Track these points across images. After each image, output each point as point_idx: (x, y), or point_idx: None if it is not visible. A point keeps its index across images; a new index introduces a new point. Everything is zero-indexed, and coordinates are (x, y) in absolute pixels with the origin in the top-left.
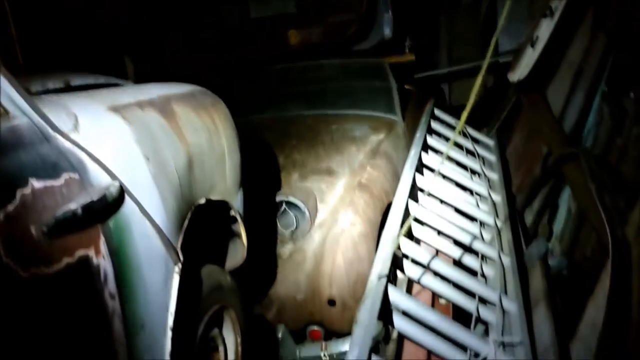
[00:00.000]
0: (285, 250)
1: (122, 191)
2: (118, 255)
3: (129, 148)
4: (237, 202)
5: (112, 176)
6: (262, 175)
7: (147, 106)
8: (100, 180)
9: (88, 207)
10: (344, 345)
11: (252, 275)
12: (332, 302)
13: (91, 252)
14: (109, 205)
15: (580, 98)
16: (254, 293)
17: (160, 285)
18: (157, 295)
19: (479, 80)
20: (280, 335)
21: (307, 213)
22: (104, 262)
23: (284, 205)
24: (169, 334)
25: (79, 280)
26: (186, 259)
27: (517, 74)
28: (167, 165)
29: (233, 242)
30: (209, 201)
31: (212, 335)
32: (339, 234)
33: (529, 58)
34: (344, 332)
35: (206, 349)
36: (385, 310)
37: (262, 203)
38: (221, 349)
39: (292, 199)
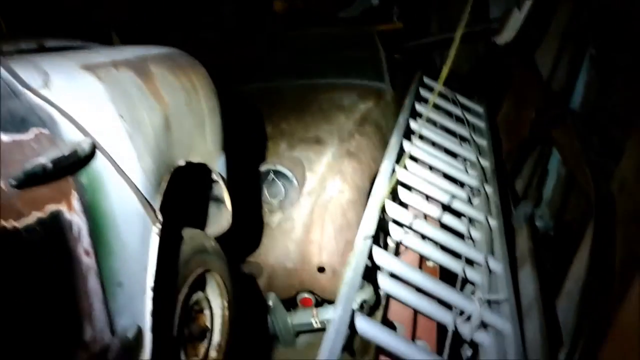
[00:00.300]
0: (274, 219)
1: (94, 147)
2: (92, 212)
3: (102, 106)
4: (219, 166)
5: (84, 132)
6: (249, 145)
7: (122, 66)
8: (72, 136)
9: (58, 161)
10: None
11: (240, 244)
12: (322, 269)
13: (63, 207)
14: (80, 161)
15: (568, 61)
16: (243, 261)
17: (139, 245)
18: (136, 255)
19: (455, 46)
20: (271, 303)
21: (295, 182)
22: (77, 217)
23: (271, 175)
24: (149, 293)
25: (51, 234)
26: (166, 220)
27: (504, 37)
28: (143, 124)
29: (218, 207)
30: (189, 164)
31: (197, 298)
32: (328, 201)
33: (515, 20)
34: (335, 299)
35: (192, 312)
36: (374, 273)
37: (250, 172)
38: (207, 312)
39: (279, 168)
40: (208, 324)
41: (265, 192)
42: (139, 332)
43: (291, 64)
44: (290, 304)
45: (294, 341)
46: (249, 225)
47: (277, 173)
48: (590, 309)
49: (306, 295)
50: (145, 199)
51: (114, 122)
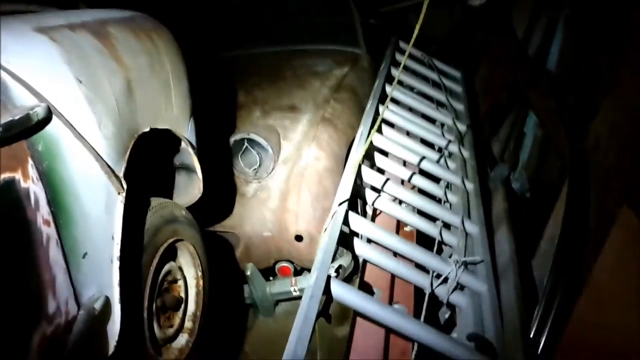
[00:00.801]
0: (249, 188)
1: (49, 112)
2: (50, 179)
3: (57, 69)
4: (187, 133)
5: (39, 97)
6: (222, 112)
7: (79, 28)
8: (25, 101)
9: (9, 127)
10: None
11: (215, 214)
12: (299, 238)
13: (18, 175)
14: (34, 126)
15: (544, 22)
16: (218, 232)
17: (103, 214)
18: (100, 224)
19: (424, 6)
20: (248, 273)
21: (270, 150)
22: (34, 185)
23: (246, 143)
24: (116, 264)
25: (5, 203)
26: (133, 189)
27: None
28: (104, 88)
29: (189, 176)
30: (154, 130)
31: (170, 269)
32: (304, 169)
33: None
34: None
35: (164, 282)
36: (351, 239)
37: (223, 140)
38: (181, 282)
39: (254, 137)
40: (182, 294)
41: (240, 161)
42: (107, 304)
43: (264, 31)
44: (269, 273)
45: (273, 310)
46: (223, 195)
47: (252, 142)
48: (565, 266)
49: (284, 264)
50: (108, 166)
51: (71, 86)
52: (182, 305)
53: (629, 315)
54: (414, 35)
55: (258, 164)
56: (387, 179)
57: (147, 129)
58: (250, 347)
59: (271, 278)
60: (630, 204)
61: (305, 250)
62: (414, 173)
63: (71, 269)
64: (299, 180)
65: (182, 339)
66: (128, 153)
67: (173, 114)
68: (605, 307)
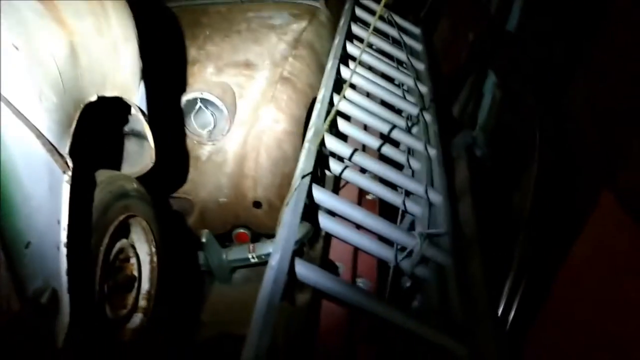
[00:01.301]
0: (203, 151)
1: None
2: None
3: None
4: (137, 98)
5: None
6: (171, 70)
7: None
8: None
9: None
10: (272, 246)
11: (168, 179)
12: (257, 204)
13: None
14: None
15: None
16: (172, 198)
17: (46, 196)
18: (44, 208)
19: None
20: (204, 239)
21: (224, 110)
22: None
23: (198, 103)
24: (63, 250)
25: None
26: (78, 165)
27: None
28: (44, 55)
29: (139, 144)
30: (102, 98)
31: (122, 247)
32: (262, 132)
33: None
34: (273, 233)
35: (116, 262)
36: (312, 210)
37: (173, 101)
38: (133, 260)
39: (207, 96)
40: (135, 273)
41: (193, 122)
42: (54, 295)
43: None
44: (225, 239)
45: (230, 277)
46: (176, 159)
47: (205, 101)
48: (536, 238)
49: (242, 230)
50: (50, 143)
51: (6, 54)
52: (136, 284)
53: (608, 297)
54: None
55: (212, 125)
56: (350, 145)
57: (94, 98)
58: (208, 315)
59: (227, 244)
60: (612, 188)
61: (264, 217)
62: (376, 138)
63: (12, 262)
64: (257, 144)
65: (137, 319)
66: (74, 126)
67: (122, 79)
68: (581, 287)
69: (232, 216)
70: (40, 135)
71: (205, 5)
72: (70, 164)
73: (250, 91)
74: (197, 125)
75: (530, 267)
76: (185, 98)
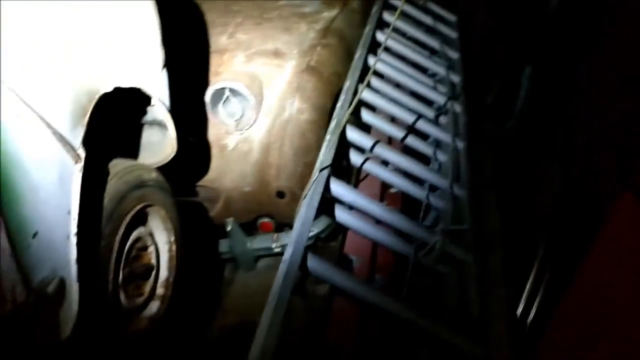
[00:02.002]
0: (230, 140)
1: None
2: None
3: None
4: (159, 87)
5: None
6: (200, 59)
7: None
8: None
9: None
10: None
11: (193, 168)
12: (280, 194)
13: None
14: None
15: None
16: (197, 186)
17: (56, 187)
18: (53, 199)
19: None
20: (229, 228)
21: (251, 100)
22: None
23: (227, 92)
24: (73, 240)
25: None
26: (92, 156)
27: None
28: (54, 45)
29: (162, 133)
30: (119, 89)
31: (139, 235)
32: (286, 121)
33: None
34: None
35: (132, 250)
36: (332, 204)
37: (200, 90)
38: (152, 248)
39: (235, 85)
40: (153, 261)
41: (221, 111)
42: (61, 285)
43: None
44: (250, 228)
45: (254, 265)
46: (202, 148)
47: (233, 91)
48: (558, 238)
49: (266, 219)
50: (60, 134)
51: (10, 43)
52: (154, 272)
53: (629, 306)
54: None
55: (240, 115)
56: (373, 137)
57: (110, 89)
58: (230, 302)
59: (253, 234)
60: (630, 187)
61: (286, 207)
62: (402, 130)
63: (18, 252)
64: (281, 134)
65: (154, 307)
66: (87, 117)
67: (142, 69)
68: (601, 293)
69: (255, 205)
70: (48, 125)
71: None
72: (83, 155)
73: (278, 80)
74: (225, 115)
75: (551, 267)
76: (213, 87)
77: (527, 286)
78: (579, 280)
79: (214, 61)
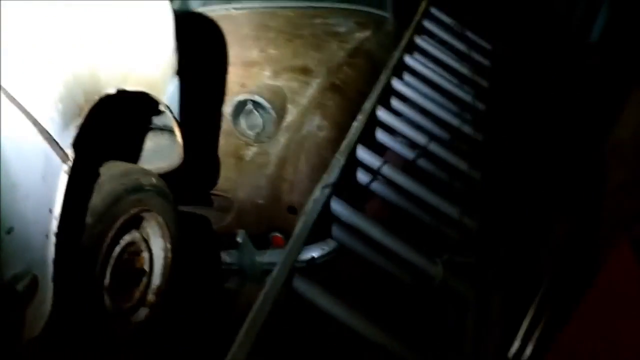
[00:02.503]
0: (248, 152)
1: None
2: None
3: None
4: (168, 94)
5: None
6: (229, 71)
7: None
8: None
9: None
10: (307, 253)
11: (209, 177)
12: (292, 210)
13: None
14: None
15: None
16: (211, 195)
17: (38, 184)
18: (34, 196)
19: None
20: (239, 239)
21: (273, 114)
22: None
23: (249, 104)
24: (52, 239)
25: None
26: (84, 157)
27: None
28: (51, 42)
29: (173, 139)
30: (123, 92)
31: (133, 239)
32: (304, 137)
33: None
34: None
35: (124, 254)
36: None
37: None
38: (145, 254)
39: (257, 98)
40: (146, 267)
41: (242, 123)
42: (32, 283)
43: None
44: (261, 242)
45: (263, 279)
46: (217, 157)
47: (256, 103)
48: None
49: (277, 234)
50: (48, 133)
51: (4, 38)
52: (145, 278)
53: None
54: None
55: (260, 127)
56: (385, 162)
57: (113, 91)
58: (236, 314)
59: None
60: (630, 236)
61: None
62: (419, 154)
63: None
64: (298, 150)
65: (142, 313)
66: (83, 117)
67: (150, 74)
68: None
69: (267, 219)
70: (36, 123)
71: (275, 9)
72: (72, 155)
73: (302, 96)
74: (245, 126)
75: (550, 308)
76: (236, 99)
77: (523, 326)
78: (574, 323)
79: (242, 73)
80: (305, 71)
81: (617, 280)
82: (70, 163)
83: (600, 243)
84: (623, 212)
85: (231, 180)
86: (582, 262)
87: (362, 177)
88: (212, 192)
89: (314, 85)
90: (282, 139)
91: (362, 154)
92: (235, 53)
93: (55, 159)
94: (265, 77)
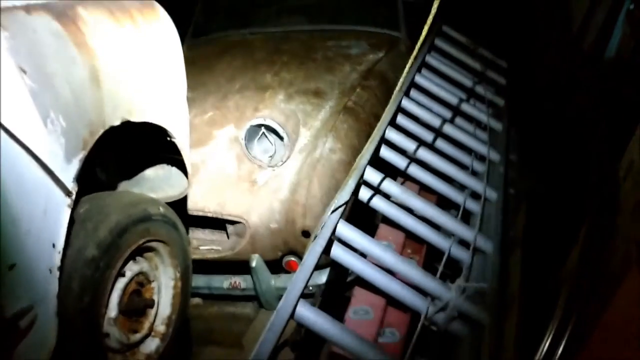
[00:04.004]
0: (261, 176)
1: None
2: None
3: None
4: (174, 125)
5: None
6: (243, 96)
7: (38, 10)
8: None
9: None
10: (321, 277)
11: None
12: (306, 234)
13: None
14: None
15: (602, 13)
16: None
17: (40, 219)
18: (36, 231)
19: None
20: (254, 264)
21: (286, 138)
22: None
23: (262, 129)
24: (55, 274)
25: None
26: (88, 190)
27: None
28: (57, 79)
29: (179, 167)
30: (128, 123)
31: (141, 269)
32: (317, 160)
33: None
34: (322, 264)
35: (130, 285)
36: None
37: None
38: (154, 284)
39: (270, 122)
40: (154, 297)
41: (256, 147)
42: (34, 319)
43: (302, 8)
44: (275, 266)
45: (276, 304)
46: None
47: (268, 127)
48: (576, 306)
49: (292, 258)
50: (49, 167)
51: (11, 76)
52: (154, 309)
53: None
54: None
55: (273, 151)
56: (396, 184)
57: (118, 123)
58: (250, 340)
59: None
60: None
61: None
62: (430, 175)
63: None
64: (311, 173)
65: (152, 344)
66: (88, 149)
67: (156, 104)
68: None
69: (281, 243)
70: (37, 158)
71: (289, 33)
72: (75, 189)
73: (314, 119)
74: (258, 150)
75: (565, 335)
76: (249, 123)
77: (539, 352)
78: (589, 343)
79: (256, 97)
80: (318, 94)
81: (635, 299)
82: (73, 196)
83: (616, 262)
84: (638, 231)
85: (245, 205)
86: (598, 281)
87: (373, 199)
88: (226, 216)
89: (327, 108)
90: (295, 162)
91: (372, 176)
92: (250, 77)
93: (58, 193)
94: (279, 100)
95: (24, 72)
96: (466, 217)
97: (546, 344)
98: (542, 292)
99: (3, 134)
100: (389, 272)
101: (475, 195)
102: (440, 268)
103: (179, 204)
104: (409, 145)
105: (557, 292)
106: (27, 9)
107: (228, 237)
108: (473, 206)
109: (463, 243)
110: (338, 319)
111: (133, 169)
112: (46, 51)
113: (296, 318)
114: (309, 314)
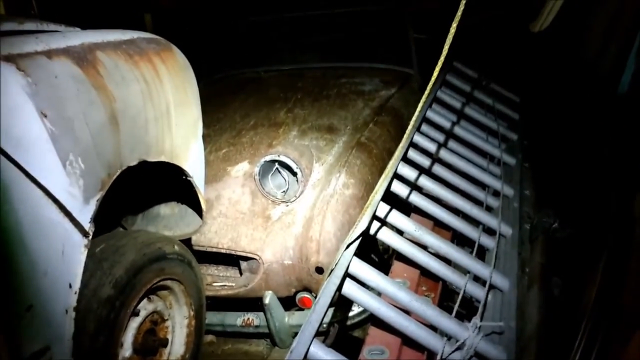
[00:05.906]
0: (275, 211)
1: None
2: None
3: (17, 102)
4: (190, 163)
5: None
6: (257, 132)
7: (59, 55)
8: None
9: None
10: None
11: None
12: (320, 270)
13: None
14: None
15: (614, 49)
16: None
17: (57, 261)
18: (52, 273)
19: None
20: (267, 301)
21: (300, 174)
22: None
23: (276, 165)
24: (71, 314)
25: None
26: (104, 230)
27: (539, 24)
28: (76, 122)
29: (193, 205)
30: (145, 163)
31: (155, 308)
32: (330, 196)
33: (554, 5)
34: (335, 301)
35: (143, 324)
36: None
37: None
38: (168, 323)
39: (283, 158)
40: (168, 336)
41: (270, 183)
42: (51, 359)
43: (315, 46)
44: (289, 302)
45: (290, 342)
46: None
47: (282, 163)
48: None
49: (306, 294)
50: (67, 210)
51: (31, 120)
52: (168, 348)
53: None
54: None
55: (287, 187)
56: (410, 220)
57: (134, 163)
58: None
59: (293, 310)
60: None
61: None
62: (444, 211)
63: (9, 325)
64: (324, 208)
65: None
66: (105, 190)
67: (172, 143)
68: None
69: (295, 279)
70: (56, 200)
71: (303, 70)
72: (92, 229)
73: (328, 154)
74: (272, 186)
75: None
76: (263, 159)
77: None
78: None
79: (270, 134)
80: (331, 130)
81: None
82: (90, 237)
83: (631, 303)
84: None
85: (259, 241)
86: (616, 321)
87: (387, 236)
88: (240, 252)
89: (340, 143)
90: (308, 197)
91: (386, 212)
92: (264, 114)
93: (76, 234)
94: (292, 136)
95: (45, 116)
96: (481, 253)
97: None
98: (560, 330)
99: (23, 177)
100: (404, 310)
101: (489, 231)
102: (456, 306)
103: (194, 241)
104: (423, 180)
105: (575, 331)
106: (49, 54)
107: (241, 274)
108: (488, 242)
109: (478, 280)
110: (353, 358)
111: (148, 207)
112: (66, 95)
113: (309, 358)
114: (323, 354)
